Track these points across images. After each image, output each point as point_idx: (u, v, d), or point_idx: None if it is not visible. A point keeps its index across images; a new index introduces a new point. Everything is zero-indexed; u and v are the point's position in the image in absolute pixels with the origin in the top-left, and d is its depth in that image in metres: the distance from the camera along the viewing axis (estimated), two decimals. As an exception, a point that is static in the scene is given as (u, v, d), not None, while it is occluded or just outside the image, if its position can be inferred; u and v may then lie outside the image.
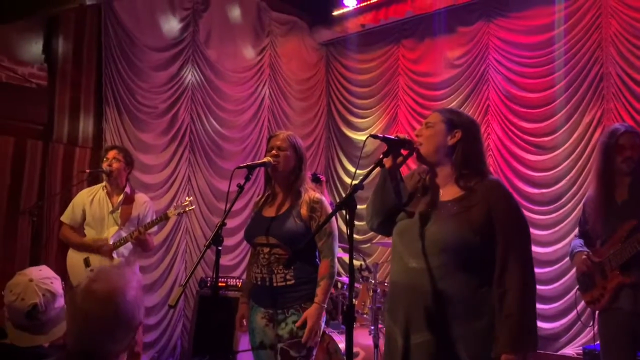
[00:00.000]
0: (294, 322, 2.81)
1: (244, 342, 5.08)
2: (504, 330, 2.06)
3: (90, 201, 4.24)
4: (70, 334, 1.68)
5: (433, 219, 2.20)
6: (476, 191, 2.19)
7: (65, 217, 4.31)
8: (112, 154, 4.26)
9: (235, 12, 6.59)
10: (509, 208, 2.20)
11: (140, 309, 1.71)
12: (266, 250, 2.90)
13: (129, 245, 4.19)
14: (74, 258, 4.19)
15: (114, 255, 4.13)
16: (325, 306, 2.88)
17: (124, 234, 4.16)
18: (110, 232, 4.15)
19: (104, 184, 4.30)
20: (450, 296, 2.12)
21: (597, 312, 3.19)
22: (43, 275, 2.13)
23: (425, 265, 2.14)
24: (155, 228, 4.37)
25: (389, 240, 2.52)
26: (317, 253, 2.98)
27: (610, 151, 3.15)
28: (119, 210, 4.23)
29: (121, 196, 4.25)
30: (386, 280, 4.62)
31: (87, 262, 4.13)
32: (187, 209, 4.27)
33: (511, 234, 2.15)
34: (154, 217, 4.29)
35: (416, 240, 2.19)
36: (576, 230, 3.56)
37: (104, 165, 4.24)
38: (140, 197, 4.37)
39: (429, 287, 2.13)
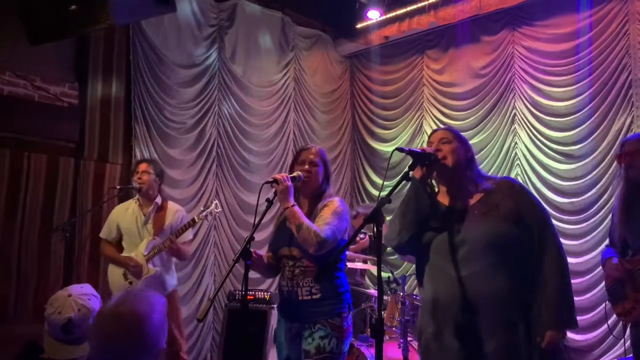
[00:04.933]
0: (321, 337, 2.74)
1: (273, 355, 5.09)
2: (547, 310, 2.19)
3: (124, 215, 4.34)
4: (93, 353, 1.71)
5: (466, 225, 2.30)
6: (494, 191, 2.35)
7: (103, 233, 4.44)
8: (142, 167, 4.37)
9: (260, 28, 6.67)
10: (532, 199, 2.39)
11: (164, 334, 1.74)
12: (291, 262, 2.85)
13: (163, 255, 4.26)
14: (114, 272, 4.30)
15: (150, 265, 4.19)
16: (289, 205, 2.76)
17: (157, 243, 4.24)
18: (145, 243, 4.23)
19: (136, 197, 4.39)
20: (498, 296, 2.20)
21: (629, 324, 3.13)
22: (82, 292, 2.21)
23: (471, 271, 2.23)
24: (190, 236, 4.44)
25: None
26: (338, 266, 2.91)
27: (620, 161, 3.18)
28: (151, 221, 4.30)
29: (151, 207, 4.32)
30: (414, 293, 4.57)
31: (126, 276, 4.23)
32: (213, 212, 4.27)
33: (542, 221, 2.31)
34: None
35: (455, 249, 2.27)
36: (607, 240, 3.51)
37: (134, 179, 4.34)
38: (172, 207, 4.44)
39: (480, 291, 2.21)
